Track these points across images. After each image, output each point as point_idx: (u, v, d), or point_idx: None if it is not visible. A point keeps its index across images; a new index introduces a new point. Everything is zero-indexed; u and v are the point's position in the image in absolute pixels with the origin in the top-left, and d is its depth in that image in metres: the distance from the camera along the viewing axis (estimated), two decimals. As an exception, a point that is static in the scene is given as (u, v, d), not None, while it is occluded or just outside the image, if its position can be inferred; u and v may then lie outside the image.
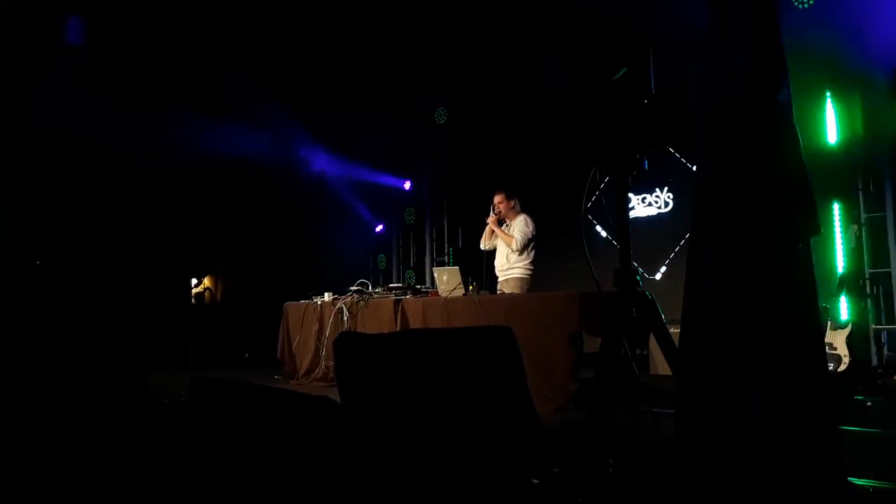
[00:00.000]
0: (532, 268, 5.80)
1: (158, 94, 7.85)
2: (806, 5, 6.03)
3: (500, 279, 5.93)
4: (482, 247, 6.12)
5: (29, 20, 6.76)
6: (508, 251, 5.82)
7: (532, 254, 5.81)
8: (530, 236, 5.76)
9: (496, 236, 5.98)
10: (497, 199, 5.91)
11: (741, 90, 2.07)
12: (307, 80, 8.59)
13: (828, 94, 6.09)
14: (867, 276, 5.98)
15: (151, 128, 7.87)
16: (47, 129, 7.49)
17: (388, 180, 10.22)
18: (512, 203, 5.93)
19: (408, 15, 7.77)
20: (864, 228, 6.01)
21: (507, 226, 5.92)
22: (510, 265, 5.82)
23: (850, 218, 6.04)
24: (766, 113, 2.05)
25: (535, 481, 2.28)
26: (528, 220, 5.82)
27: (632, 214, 7.51)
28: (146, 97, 7.77)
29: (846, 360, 5.19)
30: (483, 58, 8.22)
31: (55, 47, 7.05)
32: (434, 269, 6.29)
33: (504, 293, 5.72)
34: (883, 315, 5.95)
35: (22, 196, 7.36)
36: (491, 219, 5.91)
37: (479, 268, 6.18)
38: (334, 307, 6.06)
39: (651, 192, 7.75)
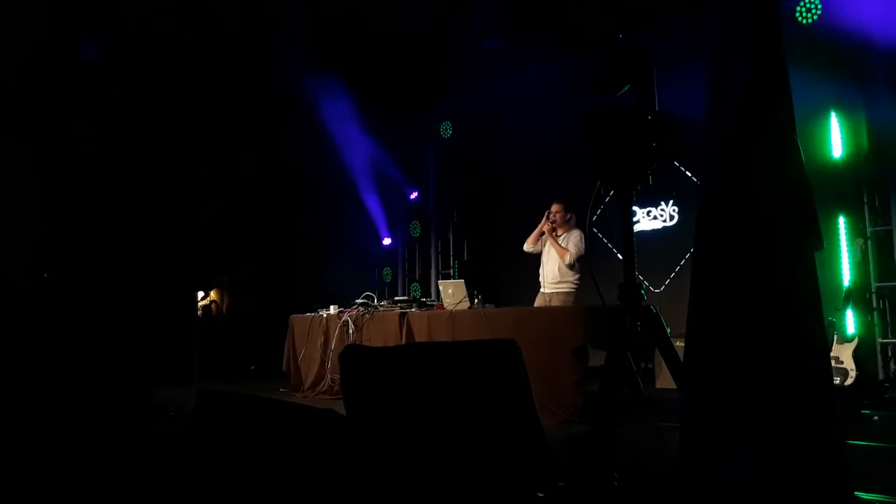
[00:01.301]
0: (580, 283, 5.78)
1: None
2: (810, 21, 6.05)
3: (548, 291, 5.89)
4: (526, 248, 6.08)
5: (39, 34, 6.82)
6: (560, 263, 5.78)
7: (580, 268, 5.80)
8: (583, 252, 5.72)
9: (543, 242, 5.96)
10: (555, 208, 5.88)
11: (743, 106, 2.08)
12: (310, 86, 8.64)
13: (832, 108, 6.11)
14: (873, 290, 5.96)
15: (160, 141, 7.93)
16: (54, 137, 7.57)
17: (394, 193, 10.25)
18: (568, 216, 5.92)
19: (413, 29, 7.83)
20: (869, 242, 6.00)
21: (559, 237, 5.89)
22: (562, 278, 5.79)
23: (856, 232, 6.03)
24: (768, 128, 2.06)
25: (541, 495, 2.27)
26: (584, 236, 5.77)
27: (637, 228, 7.54)
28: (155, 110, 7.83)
29: (853, 374, 5.17)
30: (488, 71, 8.27)
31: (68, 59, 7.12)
32: (439, 282, 6.30)
33: (512, 306, 5.73)
34: (890, 329, 5.93)
35: (28, 207, 7.43)
36: (546, 226, 5.88)
37: (483, 281, 6.18)
38: (340, 320, 6.07)
39: (656, 205, 7.76)
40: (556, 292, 5.80)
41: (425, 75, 8.74)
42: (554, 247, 5.81)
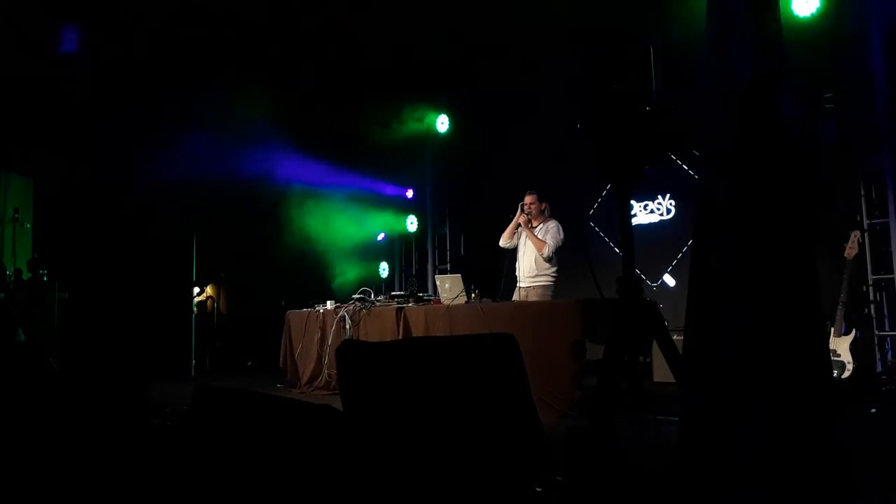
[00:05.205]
0: (557, 275, 5.68)
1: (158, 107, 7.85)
2: (809, 15, 6.01)
3: (524, 285, 5.78)
4: (502, 244, 5.95)
5: (25, 24, 6.71)
6: (537, 255, 5.65)
7: (557, 260, 5.69)
8: (560, 244, 5.62)
9: (519, 235, 5.83)
10: (529, 199, 5.74)
11: (742, 98, 2.07)
12: (306, 86, 8.58)
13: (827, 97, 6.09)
14: (870, 283, 5.97)
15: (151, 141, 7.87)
16: (49, 138, 7.52)
17: (391, 188, 10.22)
18: (543, 206, 5.78)
19: (408, 21, 7.77)
20: (866, 234, 6.00)
21: (534, 228, 5.74)
22: (539, 271, 5.66)
23: (853, 224, 6.03)
24: (766, 117, 2.05)
25: (539, 489, 2.27)
26: (560, 227, 5.66)
27: (634, 221, 7.52)
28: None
29: (850, 366, 5.17)
30: (484, 65, 8.23)
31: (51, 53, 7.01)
32: (436, 276, 6.29)
33: (508, 300, 5.71)
34: (887, 321, 5.93)
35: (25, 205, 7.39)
36: (522, 218, 5.73)
37: (480, 275, 6.14)
38: (336, 315, 6.06)
39: (653, 198, 7.74)
40: (534, 286, 5.67)
41: (422, 68, 8.69)
42: (531, 239, 5.66)
